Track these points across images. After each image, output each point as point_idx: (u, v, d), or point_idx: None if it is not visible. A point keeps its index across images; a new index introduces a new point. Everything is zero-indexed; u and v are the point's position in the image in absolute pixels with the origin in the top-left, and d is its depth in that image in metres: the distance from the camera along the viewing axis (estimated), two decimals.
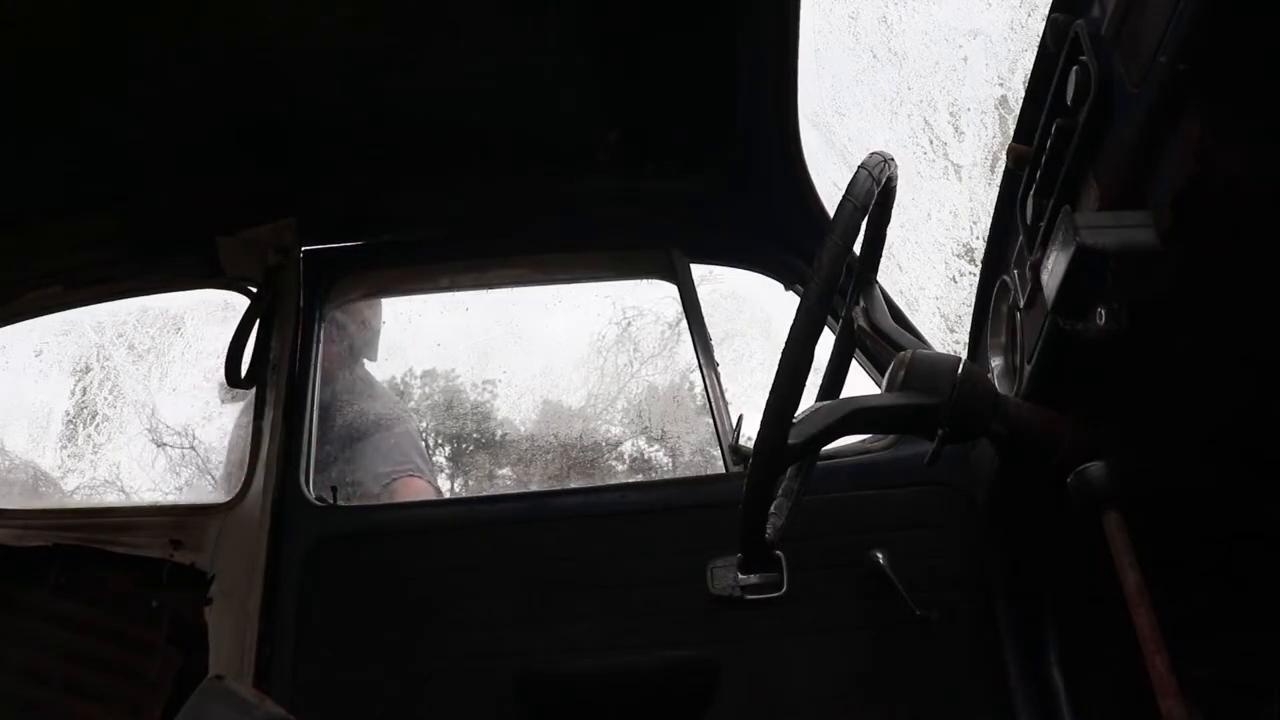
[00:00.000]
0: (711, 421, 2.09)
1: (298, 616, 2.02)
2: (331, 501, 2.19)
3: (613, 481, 2.19)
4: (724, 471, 2.06)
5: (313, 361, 2.29)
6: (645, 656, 1.88)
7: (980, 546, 1.76)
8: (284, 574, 2.06)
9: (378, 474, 2.56)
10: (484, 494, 2.14)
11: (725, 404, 2.10)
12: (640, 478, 2.58)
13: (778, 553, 1.74)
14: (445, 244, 2.37)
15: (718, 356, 2.18)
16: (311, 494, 2.19)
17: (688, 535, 1.87)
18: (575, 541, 1.99)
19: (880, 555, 1.79)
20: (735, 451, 1.98)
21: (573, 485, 2.11)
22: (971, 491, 1.79)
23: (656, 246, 2.25)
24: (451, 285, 2.49)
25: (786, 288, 2.26)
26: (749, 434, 1.92)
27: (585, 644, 1.91)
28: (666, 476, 2.67)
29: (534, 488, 2.32)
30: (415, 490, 2.55)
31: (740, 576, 1.67)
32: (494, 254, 2.35)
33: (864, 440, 1.99)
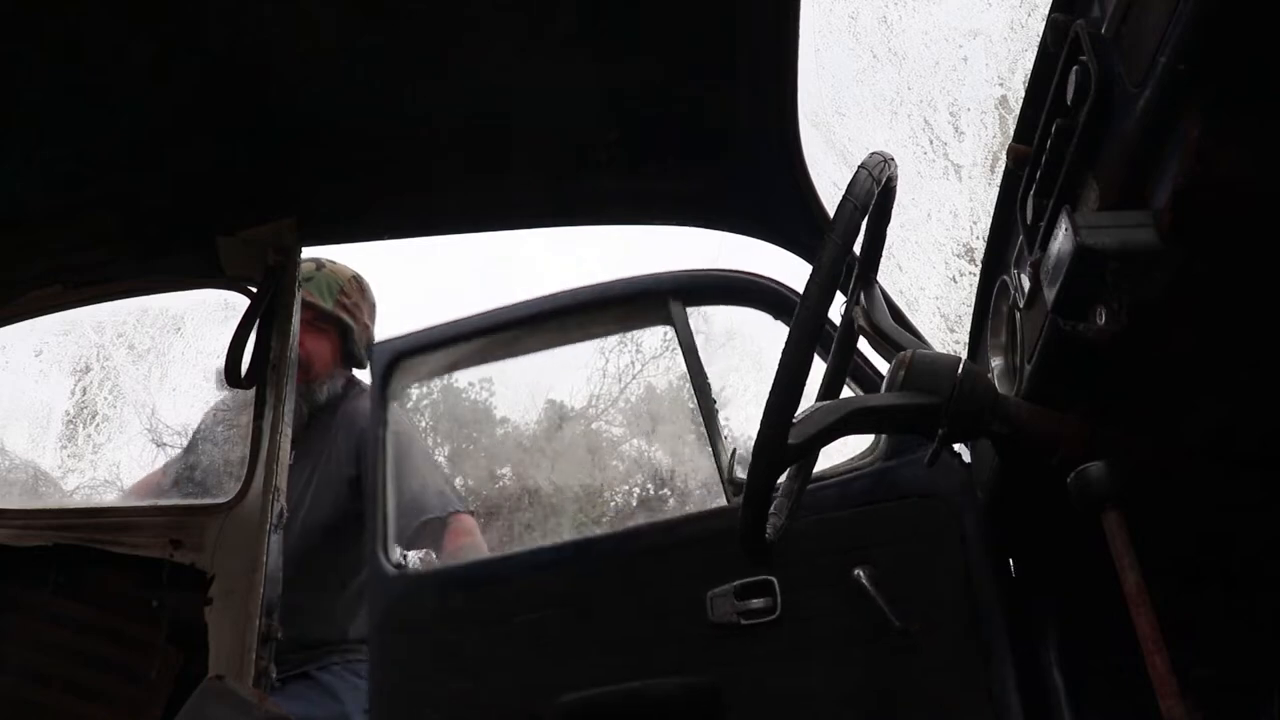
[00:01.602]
0: (712, 457, 2.15)
1: (379, 677, 2.23)
2: (404, 567, 2.35)
3: (632, 524, 2.29)
4: (725, 504, 2.11)
5: (381, 440, 2.47)
6: (657, 683, 1.95)
7: (968, 554, 1.77)
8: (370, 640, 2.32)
9: (427, 518, 2.66)
10: (527, 547, 2.37)
11: (723, 440, 2.17)
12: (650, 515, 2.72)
13: (771, 578, 1.78)
14: (485, 324, 2.54)
15: (717, 394, 2.30)
16: (390, 564, 2.36)
17: (701, 568, 1.94)
18: (598, 582, 2.09)
19: (862, 572, 1.80)
20: (732, 483, 2.00)
21: (599, 532, 2.22)
22: (954, 499, 1.80)
23: (656, 296, 2.38)
24: (491, 358, 2.66)
25: (775, 317, 2.33)
26: (744, 464, 1.94)
27: (611, 677, 2.00)
28: (683, 513, 2.76)
29: (568, 536, 2.47)
30: (467, 527, 2.70)
31: (736, 603, 1.71)
32: (524, 324, 2.49)
33: (850, 459, 2.02)
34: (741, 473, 1.91)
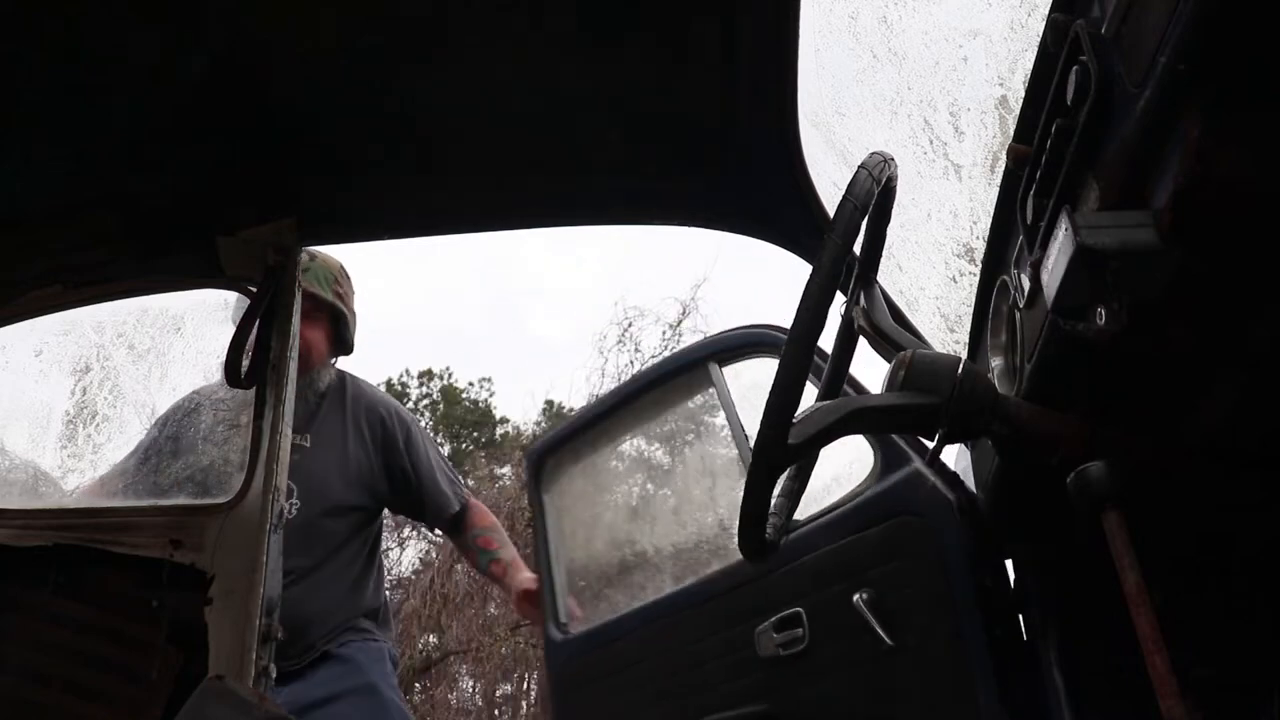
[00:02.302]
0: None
1: None
2: (568, 632, 2.60)
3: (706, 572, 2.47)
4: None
5: (544, 529, 2.76)
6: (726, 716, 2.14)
7: (946, 569, 1.79)
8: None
9: (441, 506, 2.90)
10: (650, 600, 2.51)
11: None
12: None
13: (800, 610, 1.86)
14: (593, 413, 2.91)
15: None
16: (559, 632, 2.57)
17: (750, 607, 2.11)
18: (690, 628, 2.28)
19: (861, 595, 1.84)
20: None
21: (689, 581, 2.46)
22: (933, 515, 1.83)
23: (699, 364, 2.59)
24: (603, 443, 2.94)
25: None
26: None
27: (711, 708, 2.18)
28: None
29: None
30: (481, 509, 2.99)
31: (775, 636, 1.91)
32: (618, 409, 2.83)
33: (841, 497, 2.10)
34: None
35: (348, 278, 2.89)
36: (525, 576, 2.82)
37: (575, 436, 2.88)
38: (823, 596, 1.93)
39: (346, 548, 2.72)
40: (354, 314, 2.86)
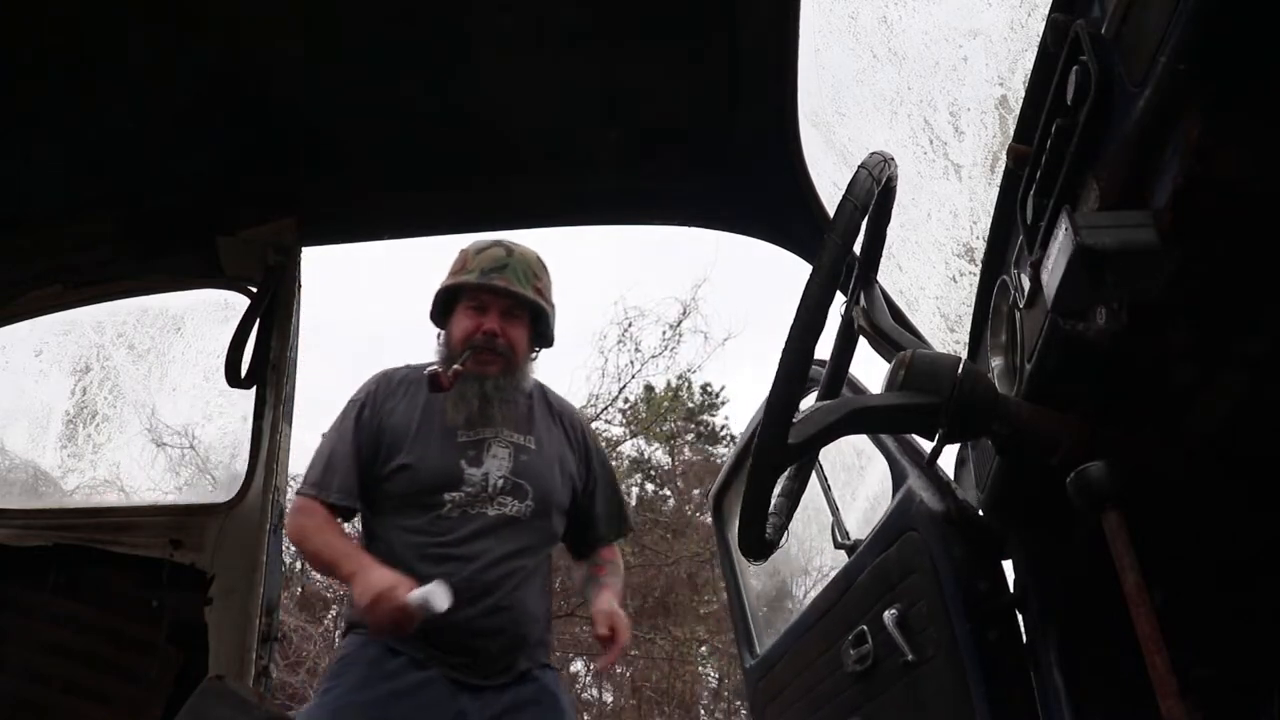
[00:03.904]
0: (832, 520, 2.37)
1: None
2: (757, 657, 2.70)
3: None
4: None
5: (732, 564, 2.84)
6: None
7: (939, 581, 1.81)
8: None
9: (610, 530, 2.69)
10: (792, 622, 2.57)
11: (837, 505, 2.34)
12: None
13: (864, 627, 1.89)
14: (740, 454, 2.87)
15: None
16: (752, 658, 2.71)
17: (841, 622, 2.18)
18: (816, 644, 2.38)
19: (891, 611, 1.91)
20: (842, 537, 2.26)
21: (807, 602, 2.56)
22: (927, 529, 1.86)
23: None
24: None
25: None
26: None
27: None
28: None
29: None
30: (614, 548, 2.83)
31: (851, 653, 2.00)
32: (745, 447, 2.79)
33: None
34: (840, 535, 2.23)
35: (545, 269, 2.58)
36: (607, 597, 2.54)
37: (741, 469, 2.87)
38: (874, 613, 2.00)
39: (539, 551, 2.55)
40: (553, 306, 2.61)
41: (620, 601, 2.55)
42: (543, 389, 2.66)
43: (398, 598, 2.14)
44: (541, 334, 2.58)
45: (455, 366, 2.34)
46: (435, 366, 2.37)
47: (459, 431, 2.41)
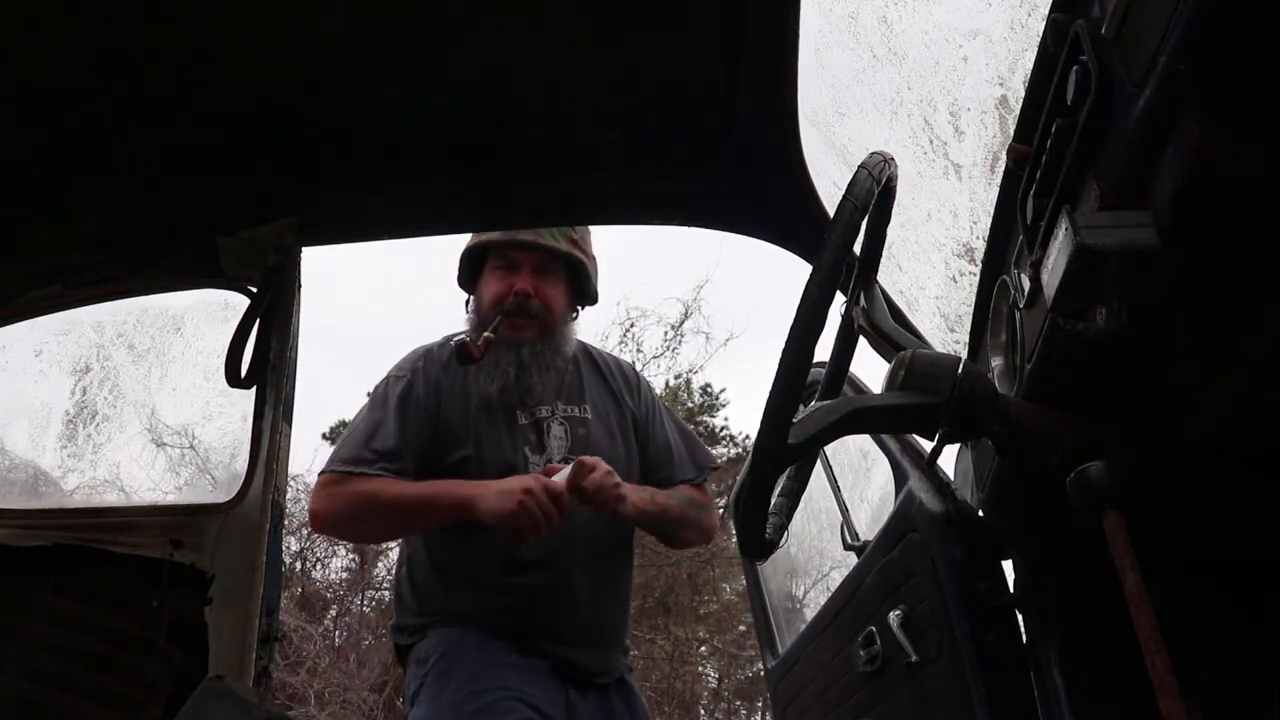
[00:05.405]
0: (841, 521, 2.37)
1: None
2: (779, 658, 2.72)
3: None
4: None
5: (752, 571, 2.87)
6: None
7: (939, 582, 1.81)
8: None
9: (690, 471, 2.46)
10: (809, 622, 2.58)
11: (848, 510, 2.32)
12: None
13: (872, 628, 1.91)
14: None
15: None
16: (774, 659, 2.73)
17: (850, 624, 2.19)
18: (830, 645, 2.41)
19: (895, 613, 1.91)
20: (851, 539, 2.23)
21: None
22: (926, 530, 1.86)
23: None
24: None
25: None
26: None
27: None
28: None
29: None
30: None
31: (861, 654, 2.00)
32: None
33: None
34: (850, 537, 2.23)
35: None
36: (640, 486, 2.21)
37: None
38: (881, 614, 2.00)
39: (629, 543, 2.26)
40: (593, 259, 2.35)
41: (650, 508, 2.16)
42: (586, 349, 2.39)
43: (546, 484, 1.89)
44: (582, 290, 2.29)
45: (486, 334, 2.10)
46: (463, 335, 2.13)
47: (518, 413, 2.15)
